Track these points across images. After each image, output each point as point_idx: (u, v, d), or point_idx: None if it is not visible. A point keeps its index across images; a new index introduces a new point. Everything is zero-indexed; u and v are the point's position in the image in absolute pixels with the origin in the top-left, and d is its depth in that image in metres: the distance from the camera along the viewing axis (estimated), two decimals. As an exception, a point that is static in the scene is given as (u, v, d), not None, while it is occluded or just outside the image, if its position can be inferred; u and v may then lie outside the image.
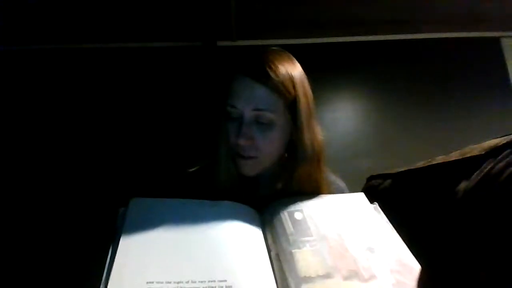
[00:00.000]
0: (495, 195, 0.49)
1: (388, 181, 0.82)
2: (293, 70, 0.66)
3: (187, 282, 0.42)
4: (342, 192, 0.75)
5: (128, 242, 0.47)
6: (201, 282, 0.42)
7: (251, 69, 0.64)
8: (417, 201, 0.69)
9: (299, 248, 0.51)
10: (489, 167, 0.53)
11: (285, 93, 0.63)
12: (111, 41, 2.07)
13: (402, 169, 0.80)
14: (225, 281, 0.43)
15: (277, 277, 0.48)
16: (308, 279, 0.46)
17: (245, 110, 0.63)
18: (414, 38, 2.20)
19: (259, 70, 0.63)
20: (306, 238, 0.53)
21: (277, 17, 1.97)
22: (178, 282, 0.42)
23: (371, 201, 0.65)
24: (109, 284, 0.41)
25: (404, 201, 0.73)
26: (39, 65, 2.02)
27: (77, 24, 1.91)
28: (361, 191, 0.67)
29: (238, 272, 0.45)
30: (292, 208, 0.59)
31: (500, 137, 0.59)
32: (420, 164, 0.75)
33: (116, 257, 0.44)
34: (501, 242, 0.46)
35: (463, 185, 0.56)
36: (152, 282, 0.41)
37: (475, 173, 0.55)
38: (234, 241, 0.50)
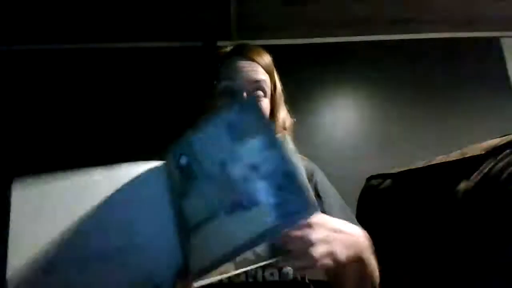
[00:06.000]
0: (495, 195, 0.49)
1: (388, 181, 0.82)
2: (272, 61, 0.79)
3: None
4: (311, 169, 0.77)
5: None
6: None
7: (247, 52, 0.73)
8: (417, 201, 0.69)
9: None
10: (489, 167, 0.53)
11: (272, 75, 0.75)
12: (111, 41, 2.06)
13: (402, 169, 0.80)
14: None
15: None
16: None
17: (247, 81, 0.71)
18: (414, 38, 2.19)
19: (254, 53, 0.74)
20: None
21: (277, 17, 1.96)
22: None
23: (371, 202, 0.65)
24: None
25: (404, 200, 0.73)
26: (39, 65, 2.02)
27: (76, 24, 1.91)
28: (361, 191, 0.67)
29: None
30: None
31: (500, 137, 0.59)
32: (420, 164, 0.75)
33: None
34: (501, 241, 0.46)
35: (463, 185, 0.56)
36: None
37: (475, 173, 0.55)
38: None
